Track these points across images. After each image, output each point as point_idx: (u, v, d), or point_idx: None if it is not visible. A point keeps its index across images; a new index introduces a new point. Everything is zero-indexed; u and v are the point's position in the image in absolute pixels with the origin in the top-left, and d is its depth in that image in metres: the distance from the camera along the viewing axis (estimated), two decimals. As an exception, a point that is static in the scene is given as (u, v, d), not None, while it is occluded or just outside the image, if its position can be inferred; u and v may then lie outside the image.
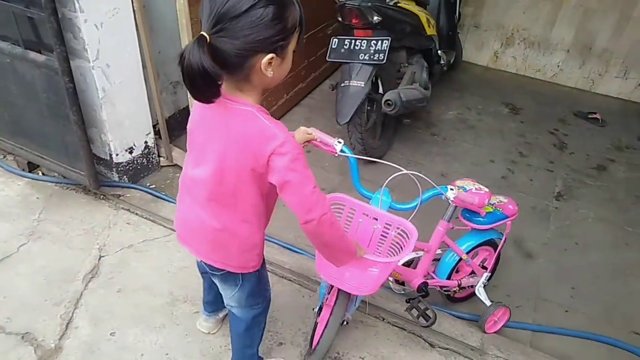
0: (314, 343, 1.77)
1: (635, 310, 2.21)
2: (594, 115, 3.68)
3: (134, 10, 2.28)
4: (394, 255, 1.59)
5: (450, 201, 1.65)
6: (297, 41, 1.13)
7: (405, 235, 1.54)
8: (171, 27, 2.42)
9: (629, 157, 3.33)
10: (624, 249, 2.56)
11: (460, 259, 1.95)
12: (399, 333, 1.98)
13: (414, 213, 1.59)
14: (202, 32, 0.98)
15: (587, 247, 2.54)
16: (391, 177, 1.57)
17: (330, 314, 1.67)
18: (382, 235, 1.64)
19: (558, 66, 4.11)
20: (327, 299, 1.74)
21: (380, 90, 2.88)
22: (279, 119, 3.28)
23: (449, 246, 1.92)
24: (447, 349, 1.94)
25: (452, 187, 1.64)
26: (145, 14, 2.38)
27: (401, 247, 1.55)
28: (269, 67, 1.08)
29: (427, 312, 1.84)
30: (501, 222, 1.87)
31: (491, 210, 1.86)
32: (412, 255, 1.98)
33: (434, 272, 2.00)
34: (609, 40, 3.87)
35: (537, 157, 3.18)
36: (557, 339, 2.06)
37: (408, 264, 2.02)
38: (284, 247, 2.38)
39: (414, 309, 1.86)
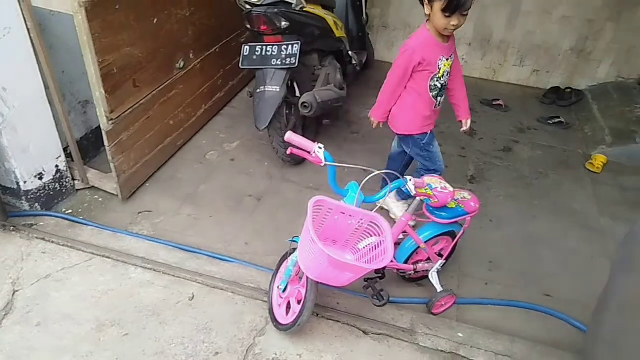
0: (291, 318, 1.91)
1: (545, 275, 2.42)
2: (498, 102, 3.97)
3: (28, 29, 2.18)
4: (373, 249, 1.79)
5: (413, 194, 1.83)
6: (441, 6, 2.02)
7: (377, 228, 1.77)
8: (73, 45, 2.33)
9: (530, 137, 3.63)
10: (532, 221, 2.79)
11: (418, 247, 2.09)
12: (333, 326, 2.04)
13: (379, 205, 1.83)
14: None
15: (500, 223, 2.74)
16: (368, 178, 1.74)
17: (305, 294, 1.85)
18: (356, 228, 1.83)
19: (463, 59, 4.39)
20: (292, 277, 1.94)
21: (297, 94, 2.93)
22: (199, 130, 3.32)
23: (410, 235, 2.08)
24: (379, 334, 2.02)
25: (411, 178, 1.81)
26: (42, 33, 2.27)
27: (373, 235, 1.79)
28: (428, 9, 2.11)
29: (381, 293, 1.94)
30: (461, 217, 2.02)
31: (454, 206, 2.00)
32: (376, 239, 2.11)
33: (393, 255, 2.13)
34: (504, 33, 4.20)
35: (450, 145, 3.38)
36: (480, 310, 2.21)
37: None
38: (213, 257, 2.36)
39: (370, 289, 1.96)
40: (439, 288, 2.14)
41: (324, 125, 3.43)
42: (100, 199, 2.72)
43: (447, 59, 2.21)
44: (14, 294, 2.07)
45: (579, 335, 2.09)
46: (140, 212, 2.66)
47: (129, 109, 2.54)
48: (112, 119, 2.43)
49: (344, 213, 1.78)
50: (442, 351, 1.96)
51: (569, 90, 4.09)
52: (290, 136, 1.71)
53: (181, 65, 2.92)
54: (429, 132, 2.40)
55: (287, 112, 2.90)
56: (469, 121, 2.45)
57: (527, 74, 4.31)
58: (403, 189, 1.84)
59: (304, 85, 2.95)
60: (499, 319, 2.17)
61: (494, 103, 3.97)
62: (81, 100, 2.82)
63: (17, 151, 2.30)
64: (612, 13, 3.86)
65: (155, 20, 2.57)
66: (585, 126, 3.74)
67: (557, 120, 3.77)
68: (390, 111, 2.39)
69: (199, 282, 2.20)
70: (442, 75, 2.24)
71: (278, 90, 2.64)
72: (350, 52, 3.39)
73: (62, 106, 2.46)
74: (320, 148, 1.70)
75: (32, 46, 2.22)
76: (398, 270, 2.20)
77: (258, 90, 2.68)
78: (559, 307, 2.21)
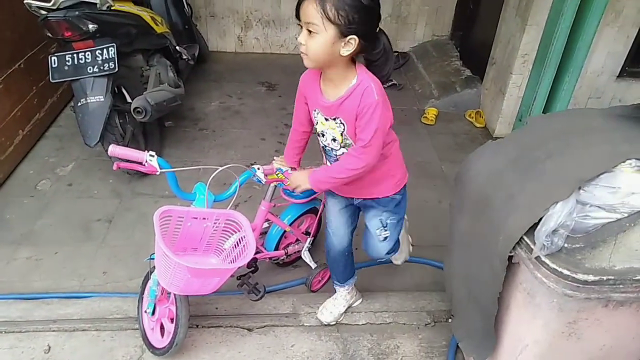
0: (167, 340, 1.79)
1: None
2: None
3: None
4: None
5: (264, 182, 1.78)
6: None
7: (236, 224, 1.72)
8: None
9: (371, 103, 3.85)
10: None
11: (285, 231, 2.07)
12: (215, 332, 1.96)
13: (233, 200, 1.74)
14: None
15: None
16: (212, 176, 1.66)
17: (177, 312, 1.74)
18: (215, 230, 1.75)
19: (296, 38, 4.45)
20: (158, 297, 1.81)
21: (128, 100, 2.71)
22: (22, 160, 2.91)
23: (274, 222, 2.04)
24: (264, 326, 1.99)
25: (259, 166, 1.75)
26: None
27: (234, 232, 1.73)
28: None
29: (257, 286, 1.89)
30: (316, 195, 2.03)
31: None
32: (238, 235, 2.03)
33: (262, 245, 2.09)
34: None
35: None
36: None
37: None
38: (66, 297, 2.10)
39: (245, 285, 1.89)
40: (312, 265, 2.18)
41: (168, 128, 3.24)
42: None
43: (327, 120, 1.54)
44: None
45: (441, 274, 2.29)
46: (-41, 270, 2.25)
47: None
48: None
49: (196, 218, 1.69)
50: (326, 325, 2.01)
51: (396, 53, 4.37)
52: (113, 149, 1.56)
53: (-24, 90, 2.49)
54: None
55: (121, 121, 2.67)
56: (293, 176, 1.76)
57: (357, 44, 4.55)
58: (254, 179, 1.79)
59: (133, 89, 2.73)
60: (372, 278, 2.28)
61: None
62: None
63: None
64: (416, -22, 4.23)
65: None
66: (415, 84, 4.09)
67: (390, 83, 4.04)
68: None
69: (53, 330, 1.94)
70: (322, 135, 1.61)
71: (102, 99, 2.40)
72: (178, 47, 3.22)
73: None
74: (152, 156, 1.57)
75: None
76: (271, 258, 2.18)
77: (79, 104, 2.41)
78: (421, 253, 2.39)
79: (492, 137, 3.38)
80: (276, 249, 2.13)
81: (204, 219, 1.71)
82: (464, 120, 3.62)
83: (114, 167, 1.62)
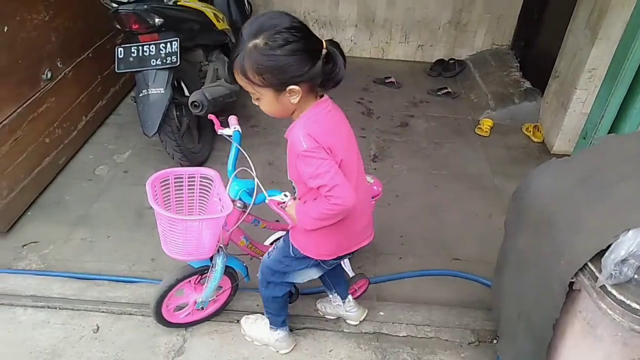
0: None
1: (452, 241, 2.53)
2: (390, 80, 4.09)
3: None
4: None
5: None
6: None
7: (210, 182, 1.72)
8: None
9: (423, 110, 3.78)
10: (434, 190, 2.91)
11: None
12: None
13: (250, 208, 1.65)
14: (323, 44, 1.27)
15: (406, 197, 2.82)
16: (238, 169, 1.67)
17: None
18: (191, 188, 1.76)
19: (352, 40, 4.46)
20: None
21: (186, 93, 2.77)
22: (83, 145, 3.03)
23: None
24: (303, 328, 1.98)
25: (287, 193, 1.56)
26: None
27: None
28: None
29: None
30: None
31: None
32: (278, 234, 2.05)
33: None
34: (386, 11, 4.31)
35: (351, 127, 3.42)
36: (397, 285, 2.26)
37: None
38: (116, 280, 2.17)
39: None
40: (351, 274, 2.12)
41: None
42: (-27, 238, 2.39)
43: None
44: None
45: (488, 292, 2.21)
46: (24, 245, 2.37)
47: (-10, 132, 2.23)
48: (-30, 146, 2.12)
49: (179, 177, 1.74)
50: (366, 333, 1.98)
51: (452, 61, 4.32)
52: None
53: (48, 76, 2.62)
54: None
55: (178, 113, 2.74)
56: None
57: (413, 49, 4.48)
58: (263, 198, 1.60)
59: (192, 83, 2.79)
60: (416, 290, 2.23)
61: (386, 81, 4.08)
62: None
63: None
64: (480, -15, 4.12)
65: (6, 28, 2.26)
66: (470, 94, 3.98)
67: (445, 91, 3.96)
68: None
69: (102, 312, 2.01)
70: None
71: (163, 91, 2.46)
72: (237, 44, 3.27)
73: None
74: (236, 130, 1.77)
75: None
76: None
77: (141, 95, 2.49)
78: (467, 268, 2.33)
79: (550, 153, 3.24)
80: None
81: (180, 177, 1.74)
82: (521, 133, 3.48)
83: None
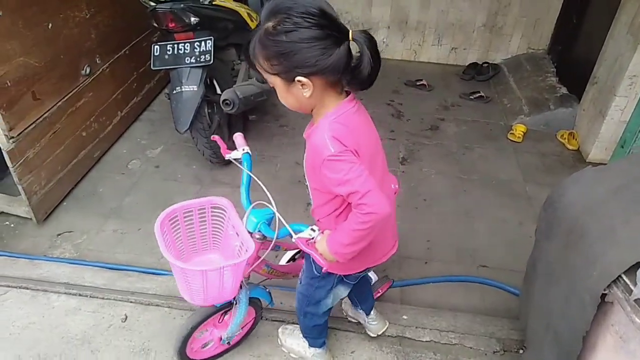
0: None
1: (479, 247, 2.49)
2: (421, 82, 4.05)
3: None
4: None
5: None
6: None
7: (222, 212, 1.59)
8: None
9: (455, 113, 3.73)
10: (463, 195, 2.86)
11: None
12: (278, 326, 1.97)
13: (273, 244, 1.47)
14: (349, 32, 1.11)
15: (434, 201, 2.79)
16: (255, 203, 1.51)
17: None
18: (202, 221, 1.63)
19: (384, 42, 4.44)
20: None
21: (218, 91, 2.82)
22: (117, 139, 3.12)
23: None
24: (336, 329, 1.97)
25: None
26: None
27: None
28: None
29: None
30: None
31: None
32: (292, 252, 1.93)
33: None
34: (419, 13, 4.27)
35: (379, 129, 3.31)
36: (422, 290, 2.24)
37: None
38: (144, 272, 2.22)
39: None
40: (374, 278, 2.05)
41: (251, 121, 3.34)
42: (12, 225, 2.49)
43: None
44: None
45: (516, 301, 2.16)
46: (59, 234, 2.46)
47: (31, 124, 2.32)
48: (12, 137, 2.21)
49: (189, 212, 1.59)
50: (389, 336, 1.97)
51: (486, 65, 4.24)
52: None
53: (87, 72, 2.71)
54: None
55: (209, 111, 2.78)
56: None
57: (446, 52, 4.43)
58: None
59: (223, 81, 2.84)
60: (441, 296, 2.20)
61: (418, 83, 4.04)
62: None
63: None
64: (517, -13, 4.03)
65: (50, 25, 2.35)
66: (503, 98, 3.90)
67: (477, 94, 3.89)
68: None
69: (131, 302, 2.07)
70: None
71: (196, 89, 2.51)
72: (269, 44, 3.30)
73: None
74: (246, 153, 1.58)
75: None
76: None
77: (174, 91, 2.54)
78: (495, 276, 2.28)
79: (586, 162, 3.14)
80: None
81: (190, 211, 1.59)
82: (555, 140, 3.39)
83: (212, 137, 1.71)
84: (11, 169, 2.25)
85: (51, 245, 2.39)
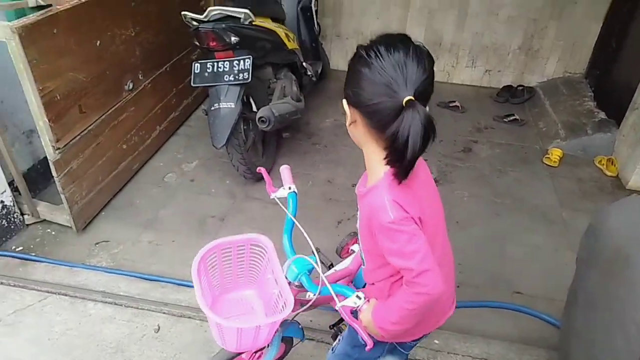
0: None
1: (513, 272, 2.44)
2: (454, 104, 4.03)
3: (-41, 60, 2.04)
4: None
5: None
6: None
7: (262, 250, 1.47)
8: (10, 73, 2.20)
9: (488, 136, 3.69)
10: (496, 219, 2.82)
11: None
12: (307, 345, 1.97)
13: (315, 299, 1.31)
14: (408, 97, 0.97)
15: (466, 224, 2.75)
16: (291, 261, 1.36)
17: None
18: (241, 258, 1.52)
19: (417, 64, 4.45)
20: None
21: (254, 109, 2.88)
22: (155, 153, 3.21)
23: None
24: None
25: (359, 294, 1.24)
26: (-25, 62, 2.14)
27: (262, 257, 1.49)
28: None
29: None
30: None
31: None
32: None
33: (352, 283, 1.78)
34: (454, 35, 4.28)
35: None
36: (454, 314, 2.19)
37: None
38: (178, 284, 2.26)
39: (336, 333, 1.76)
40: None
41: (285, 139, 3.38)
42: (53, 233, 2.58)
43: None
44: (-40, 345, 1.92)
45: (551, 330, 2.10)
46: (97, 243, 2.53)
47: (76, 136, 2.41)
48: (58, 148, 2.30)
49: (228, 248, 1.49)
50: (419, 359, 1.94)
51: (520, 87, 4.20)
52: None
53: (130, 87, 2.81)
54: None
55: (245, 127, 2.84)
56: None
57: (480, 74, 4.41)
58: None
59: (260, 99, 2.90)
60: (473, 321, 2.16)
61: (451, 105, 4.03)
62: (25, 130, 2.67)
63: (-45, 190, 2.15)
64: (553, 11, 4.00)
65: (98, 42, 2.46)
66: (539, 122, 3.85)
67: (512, 117, 3.85)
68: None
69: (164, 312, 2.10)
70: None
71: (233, 106, 2.57)
72: (304, 63, 3.36)
73: (3, 138, 2.32)
74: (293, 192, 1.47)
75: (-35, 77, 2.09)
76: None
77: (212, 108, 2.61)
78: (529, 303, 2.23)
79: (625, 189, 3.05)
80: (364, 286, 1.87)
81: (229, 247, 1.50)
82: (592, 166, 3.32)
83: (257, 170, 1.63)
84: (56, 179, 2.34)
85: (89, 254, 2.46)
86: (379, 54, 1.00)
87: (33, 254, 2.42)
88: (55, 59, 2.18)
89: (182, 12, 2.53)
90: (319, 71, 3.77)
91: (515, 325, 2.15)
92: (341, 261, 1.95)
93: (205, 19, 2.51)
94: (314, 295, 1.27)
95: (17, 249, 2.44)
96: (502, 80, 4.36)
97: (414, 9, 4.24)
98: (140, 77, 2.92)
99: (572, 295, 1.59)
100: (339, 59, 4.56)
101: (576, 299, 1.54)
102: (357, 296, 1.21)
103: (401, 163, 1.00)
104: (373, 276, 1.25)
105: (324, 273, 1.28)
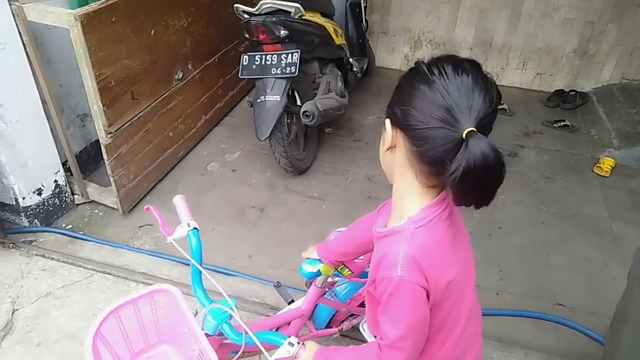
0: None
1: (557, 283, 2.35)
2: (502, 106, 3.91)
3: (24, 44, 2.14)
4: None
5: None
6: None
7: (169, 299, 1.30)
8: (69, 58, 2.30)
9: (536, 141, 3.57)
10: (541, 227, 2.73)
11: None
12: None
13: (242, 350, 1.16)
14: (471, 128, 0.84)
15: (508, 230, 2.68)
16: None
17: None
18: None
19: (464, 64, 4.35)
20: None
21: (298, 102, 2.89)
22: (199, 141, 3.29)
23: (328, 305, 1.64)
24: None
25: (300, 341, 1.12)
26: (39, 47, 2.24)
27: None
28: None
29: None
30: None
31: None
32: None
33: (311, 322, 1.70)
34: (505, 36, 4.16)
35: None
36: (492, 322, 2.14)
37: None
38: (216, 271, 2.31)
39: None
40: (370, 340, 1.59)
41: (327, 134, 3.39)
42: (101, 214, 2.68)
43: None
44: (13, 313, 2.02)
45: (593, 345, 2.02)
46: (141, 226, 2.61)
47: (127, 121, 2.50)
48: (110, 133, 2.39)
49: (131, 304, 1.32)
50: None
51: (573, 92, 4.04)
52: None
53: (180, 76, 2.88)
54: None
55: (289, 121, 2.86)
56: None
57: (531, 77, 4.27)
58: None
59: (304, 93, 2.91)
60: (511, 330, 2.10)
61: (498, 107, 3.91)
62: (79, 114, 2.79)
63: (15, 167, 2.27)
64: (613, 14, 3.81)
65: (153, 31, 2.54)
66: (591, 129, 3.69)
67: (562, 123, 3.71)
68: None
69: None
70: None
71: (279, 99, 2.59)
72: (350, 59, 3.35)
73: (60, 120, 2.43)
74: (194, 229, 1.32)
75: (29, 61, 2.19)
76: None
77: (258, 100, 2.64)
78: (572, 316, 2.15)
79: (682, 204, 2.89)
80: (328, 326, 1.74)
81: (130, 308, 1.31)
82: (647, 178, 3.16)
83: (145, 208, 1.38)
84: (106, 162, 2.43)
85: (133, 236, 2.54)
86: (444, 73, 0.87)
87: (81, 232, 2.52)
88: (112, 47, 2.26)
89: (235, 5, 2.57)
90: (364, 67, 3.75)
91: (556, 338, 2.08)
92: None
93: (257, 12, 2.54)
94: (241, 346, 1.12)
95: (67, 227, 2.55)
96: (554, 84, 4.20)
97: (464, 7, 4.14)
98: (189, 67, 2.99)
99: (621, 312, 1.52)
100: (385, 56, 4.52)
101: (625, 316, 1.47)
102: (290, 343, 1.08)
103: (470, 204, 0.89)
104: (376, 329, 1.06)
105: (282, 309, 1.15)
